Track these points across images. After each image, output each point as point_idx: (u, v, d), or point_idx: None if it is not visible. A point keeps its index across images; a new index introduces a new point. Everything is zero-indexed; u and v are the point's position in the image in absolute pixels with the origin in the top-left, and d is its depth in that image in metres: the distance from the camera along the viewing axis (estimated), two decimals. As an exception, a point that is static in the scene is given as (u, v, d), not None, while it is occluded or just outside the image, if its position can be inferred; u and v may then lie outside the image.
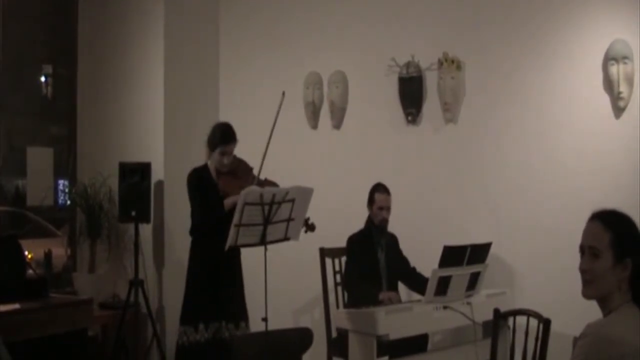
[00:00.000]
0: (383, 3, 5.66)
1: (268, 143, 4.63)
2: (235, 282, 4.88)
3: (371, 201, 5.00)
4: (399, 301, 4.81)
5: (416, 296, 5.02)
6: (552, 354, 3.65)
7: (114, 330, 5.58)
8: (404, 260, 5.12)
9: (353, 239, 5.02)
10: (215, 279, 4.74)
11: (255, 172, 4.79)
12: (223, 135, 4.76)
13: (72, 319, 4.25)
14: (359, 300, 4.70)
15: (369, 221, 5.04)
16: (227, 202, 4.66)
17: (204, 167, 4.85)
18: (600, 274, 2.18)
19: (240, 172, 4.83)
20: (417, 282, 4.95)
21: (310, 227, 4.61)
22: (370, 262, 4.96)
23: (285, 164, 5.72)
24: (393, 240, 5.12)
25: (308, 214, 4.52)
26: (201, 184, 4.77)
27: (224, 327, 4.76)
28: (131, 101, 6.20)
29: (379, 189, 5.01)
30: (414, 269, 5.07)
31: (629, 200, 4.28)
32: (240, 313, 4.86)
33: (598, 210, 2.23)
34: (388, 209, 5.00)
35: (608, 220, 2.20)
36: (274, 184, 4.76)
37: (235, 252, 4.74)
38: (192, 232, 4.86)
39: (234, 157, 4.85)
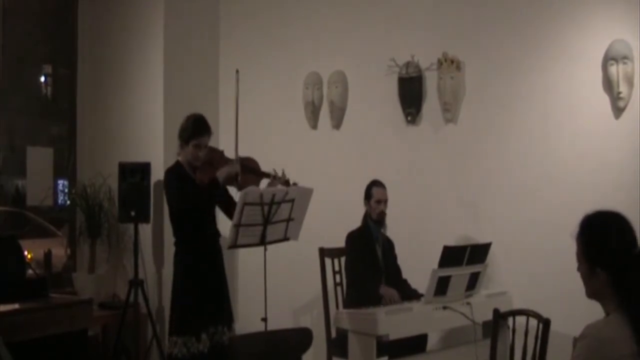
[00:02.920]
0: (383, 3, 5.66)
1: (236, 125, 4.58)
2: (224, 284, 4.81)
3: (368, 196, 5.00)
4: (399, 299, 4.79)
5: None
6: (551, 354, 3.66)
7: (114, 331, 5.59)
8: (397, 269, 5.12)
9: (352, 236, 5.02)
10: (206, 284, 4.63)
11: (228, 154, 4.68)
12: (197, 127, 4.58)
13: (72, 319, 4.24)
14: (364, 296, 4.68)
15: (366, 217, 5.04)
16: (221, 173, 4.48)
17: (177, 164, 4.67)
18: (584, 279, 2.26)
19: (215, 159, 4.67)
20: (405, 293, 4.93)
21: (286, 184, 4.57)
22: (371, 257, 4.96)
23: (285, 164, 5.71)
24: (389, 243, 5.13)
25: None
26: (178, 179, 4.59)
27: (220, 331, 4.64)
28: (131, 101, 6.20)
29: (376, 183, 5.02)
30: (405, 280, 5.08)
31: (629, 200, 4.29)
32: (230, 316, 4.81)
33: (586, 214, 2.26)
34: (385, 202, 5.01)
35: (582, 229, 2.25)
36: (252, 160, 4.68)
37: (218, 255, 4.72)
38: (176, 236, 4.68)
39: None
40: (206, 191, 4.52)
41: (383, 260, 5.03)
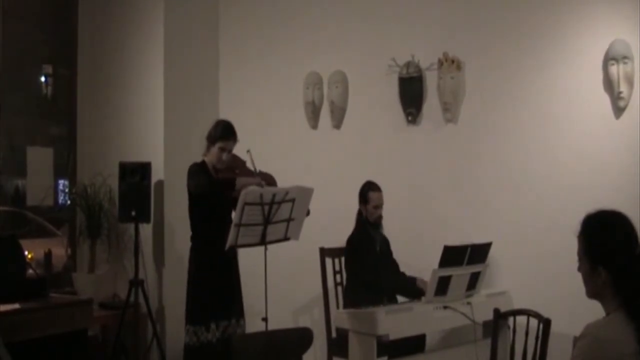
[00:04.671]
0: (383, 3, 5.66)
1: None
2: (237, 280, 4.90)
3: (365, 200, 5.00)
4: None
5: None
6: (552, 354, 3.66)
7: (114, 331, 5.59)
8: (394, 263, 5.13)
9: (353, 240, 5.01)
10: (221, 277, 4.74)
11: (249, 165, 4.77)
12: (224, 131, 4.74)
13: (72, 319, 4.24)
14: (375, 289, 4.76)
15: (362, 218, 5.03)
16: (240, 180, 4.55)
17: (202, 163, 4.82)
18: (585, 279, 2.26)
19: (238, 167, 4.79)
20: (405, 284, 4.96)
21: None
22: (373, 257, 4.96)
23: (286, 163, 5.73)
24: (386, 241, 5.14)
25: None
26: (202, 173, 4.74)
27: (233, 325, 4.77)
28: (131, 101, 6.21)
29: (373, 187, 5.01)
30: (403, 273, 5.09)
31: (629, 200, 4.28)
32: (241, 311, 4.87)
33: (588, 213, 2.26)
34: (382, 206, 5.01)
35: (584, 228, 2.25)
36: (269, 176, 4.74)
37: (233, 251, 4.75)
38: (193, 229, 4.82)
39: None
40: (222, 184, 4.61)
41: (382, 259, 5.03)
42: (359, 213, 5.05)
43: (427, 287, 4.71)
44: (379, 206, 5.00)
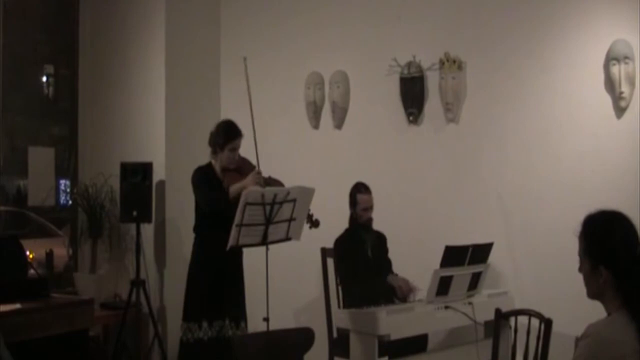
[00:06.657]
0: (385, 3, 5.65)
1: (252, 117, 4.66)
2: (237, 282, 4.90)
3: (354, 203, 4.98)
4: (414, 287, 4.82)
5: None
6: (553, 354, 3.66)
7: (115, 331, 5.60)
8: (388, 262, 5.12)
9: (341, 241, 5.00)
10: (219, 277, 4.76)
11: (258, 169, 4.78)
12: (231, 132, 4.77)
13: (73, 319, 4.24)
14: (366, 295, 4.71)
15: (353, 220, 5.02)
16: (233, 188, 4.59)
17: (208, 165, 4.85)
18: (585, 279, 2.27)
19: (246, 170, 4.81)
20: (378, 288, 4.94)
21: (315, 223, 4.59)
22: (362, 260, 4.95)
23: (287, 163, 5.73)
24: (381, 238, 5.12)
25: (311, 211, 4.51)
26: (207, 180, 4.77)
27: (227, 325, 4.78)
28: (132, 101, 6.21)
29: (361, 189, 4.98)
30: (392, 272, 5.08)
31: (630, 200, 4.28)
32: (241, 312, 4.88)
33: (588, 213, 2.26)
34: (372, 207, 4.99)
35: (584, 228, 2.26)
36: (278, 182, 4.76)
37: (237, 251, 4.75)
38: (197, 227, 4.86)
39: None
40: (232, 200, 4.57)
41: (374, 259, 5.01)
42: (351, 216, 5.04)
43: (397, 283, 4.77)
44: (367, 209, 4.96)
